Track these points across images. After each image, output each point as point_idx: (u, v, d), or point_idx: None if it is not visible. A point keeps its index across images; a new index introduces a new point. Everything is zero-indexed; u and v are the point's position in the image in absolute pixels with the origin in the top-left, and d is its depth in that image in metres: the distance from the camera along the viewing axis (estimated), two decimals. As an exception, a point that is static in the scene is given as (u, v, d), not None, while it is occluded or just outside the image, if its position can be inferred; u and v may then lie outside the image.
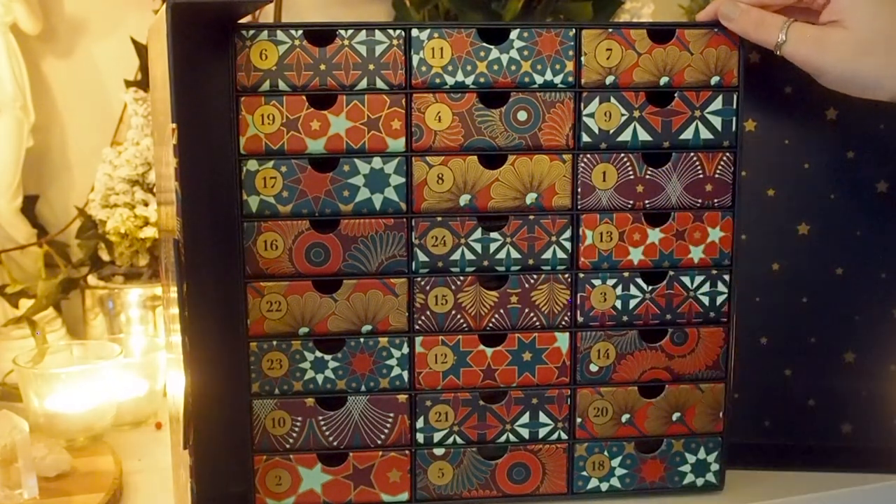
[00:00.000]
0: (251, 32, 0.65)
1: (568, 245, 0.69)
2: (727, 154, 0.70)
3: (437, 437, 0.70)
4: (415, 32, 0.66)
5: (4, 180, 1.01)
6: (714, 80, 0.69)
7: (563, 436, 0.71)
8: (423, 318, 0.69)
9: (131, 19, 1.08)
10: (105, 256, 1.03)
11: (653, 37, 0.68)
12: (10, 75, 1.00)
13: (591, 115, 0.68)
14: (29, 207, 1.07)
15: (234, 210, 0.66)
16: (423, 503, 0.71)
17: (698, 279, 0.71)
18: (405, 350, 0.69)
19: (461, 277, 0.69)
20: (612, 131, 0.68)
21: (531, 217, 0.69)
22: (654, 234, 0.70)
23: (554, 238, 0.69)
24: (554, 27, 0.67)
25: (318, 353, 0.68)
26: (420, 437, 0.70)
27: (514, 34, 0.67)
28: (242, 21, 0.65)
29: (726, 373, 0.72)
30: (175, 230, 0.58)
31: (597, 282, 0.70)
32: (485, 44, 0.67)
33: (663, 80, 0.68)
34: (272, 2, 0.76)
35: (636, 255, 0.70)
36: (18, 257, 1.04)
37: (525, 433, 0.71)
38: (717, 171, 0.70)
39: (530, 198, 0.68)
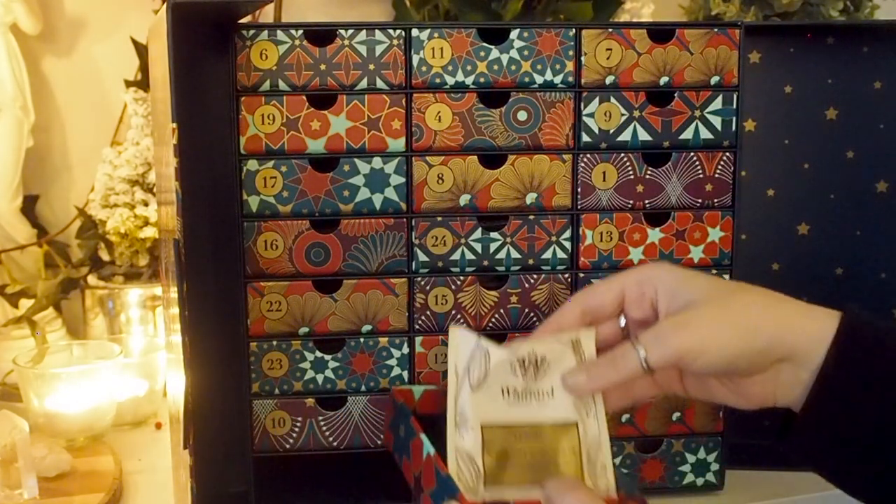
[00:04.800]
0: (251, 32, 0.65)
1: (568, 245, 0.69)
2: (727, 154, 0.70)
3: (437, 437, 0.70)
4: (415, 32, 0.66)
5: (4, 180, 1.01)
6: (714, 79, 0.69)
7: (563, 436, 0.71)
8: (423, 318, 0.69)
9: (131, 19, 1.08)
10: (105, 256, 1.03)
11: (653, 37, 0.68)
12: (10, 75, 1.00)
13: (591, 115, 0.68)
14: (29, 207, 1.07)
15: (234, 210, 0.66)
16: (423, 503, 0.71)
17: (698, 279, 0.71)
18: (405, 350, 0.69)
19: (461, 277, 0.69)
20: (612, 131, 0.68)
21: (531, 217, 0.69)
22: (654, 234, 0.70)
23: (554, 238, 0.69)
24: (554, 27, 0.67)
25: (318, 353, 0.68)
26: (420, 437, 0.70)
27: (514, 34, 0.67)
28: (242, 21, 0.65)
29: (726, 373, 0.72)
30: (175, 230, 0.58)
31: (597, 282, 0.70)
32: (485, 44, 0.67)
33: (663, 80, 0.68)
34: (272, 2, 0.76)
35: (636, 255, 0.70)
36: (18, 257, 1.04)
37: (525, 433, 0.71)
38: (717, 171, 0.70)
39: (530, 198, 0.68)
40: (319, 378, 0.69)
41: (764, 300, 0.55)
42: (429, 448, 0.56)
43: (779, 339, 0.54)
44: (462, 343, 0.57)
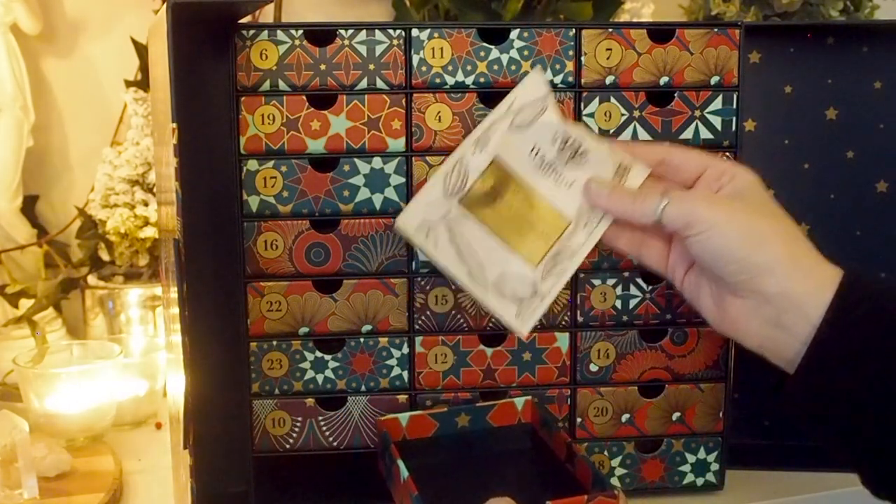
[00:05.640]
0: (251, 32, 0.65)
1: (568, 245, 0.69)
2: (727, 154, 0.70)
3: (437, 437, 0.70)
4: (415, 32, 0.66)
5: (4, 180, 1.01)
6: (714, 79, 0.69)
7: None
8: (423, 318, 0.69)
9: (131, 19, 1.08)
10: (105, 256, 1.03)
11: (653, 37, 0.68)
12: (10, 75, 1.00)
13: (592, 115, 0.68)
14: (29, 207, 1.07)
15: (234, 210, 0.66)
16: (423, 503, 0.71)
17: (698, 279, 0.70)
18: (405, 350, 0.69)
19: (461, 277, 0.69)
20: (612, 131, 0.68)
21: (531, 217, 0.69)
22: (654, 234, 0.70)
23: (554, 238, 0.69)
24: (554, 27, 0.67)
25: (318, 353, 0.68)
26: (420, 437, 0.70)
27: (514, 34, 0.67)
28: (242, 21, 0.65)
29: (726, 373, 0.72)
30: (175, 230, 0.58)
31: (597, 282, 0.70)
32: (485, 44, 0.67)
33: (663, 80, 0.68)
34: (272, 2, 0.76)
35: (636, 255, 0.70)
36: (18, 257, 1.04)
37: (525, 433, 0.71)
38: (717, 171, 0.69)
39: (530, 198, 0.68)
40: (319, 378, 0.69)
41: (790, 233, 0.59)
42: (404, 472, 0.56)
43: (779, 266, 0.56)
44: (532, 87, 0.59)
